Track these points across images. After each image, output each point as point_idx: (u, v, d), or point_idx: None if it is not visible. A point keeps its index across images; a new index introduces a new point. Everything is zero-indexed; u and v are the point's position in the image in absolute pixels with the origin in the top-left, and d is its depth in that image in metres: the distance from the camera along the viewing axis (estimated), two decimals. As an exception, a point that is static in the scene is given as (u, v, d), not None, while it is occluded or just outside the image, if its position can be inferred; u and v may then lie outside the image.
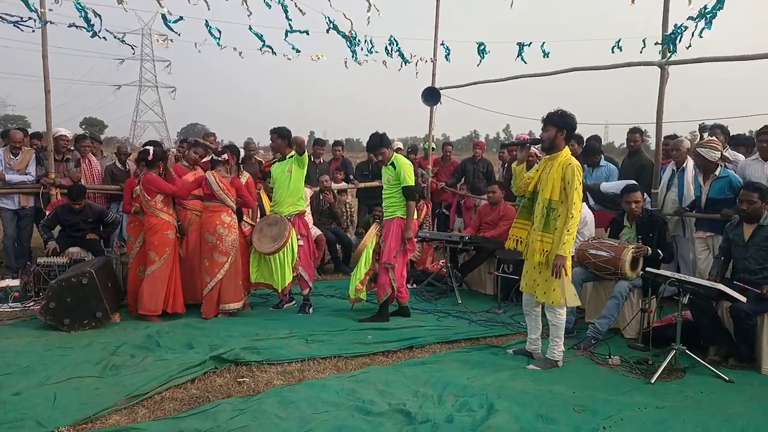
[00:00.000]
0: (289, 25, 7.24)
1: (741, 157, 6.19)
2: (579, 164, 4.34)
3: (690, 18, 5.88)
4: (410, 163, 5.76)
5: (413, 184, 5.60)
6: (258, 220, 6.10)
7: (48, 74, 6.84)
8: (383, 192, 5.74)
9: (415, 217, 5.75)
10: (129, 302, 5.81)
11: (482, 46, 8.39)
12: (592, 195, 6.46)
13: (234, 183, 5.81)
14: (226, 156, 5.85)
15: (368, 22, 7.74)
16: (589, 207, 6.19)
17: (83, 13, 6.39)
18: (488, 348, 4.99)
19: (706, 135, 6.16)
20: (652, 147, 6.60)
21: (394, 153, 5.81)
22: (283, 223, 5.77)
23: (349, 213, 8.71)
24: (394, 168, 5.56)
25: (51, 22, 6.70)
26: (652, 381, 4.16)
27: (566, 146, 4.42)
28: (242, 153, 6.42)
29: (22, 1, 6.31)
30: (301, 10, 7.18)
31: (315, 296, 6.26)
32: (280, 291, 5.92)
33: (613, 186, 6.40)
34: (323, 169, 9.02)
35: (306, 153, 5.85)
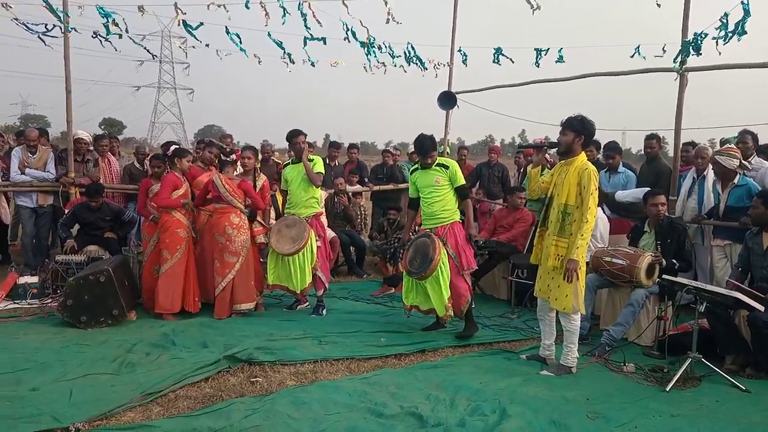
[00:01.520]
0: (310, 34, 7.26)
1: (767, 164, 6.10)
2: (595, 170, 4.32)
3: (721, 28, 5.80)
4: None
5: (465, 182, 5.45)
6: (274, 221, 6.12)
7: (69, 75, 6.97)
8: (428, 196, 5.33)
9: None
10: (144, 300, 5.88)
11: (499, 51, 8.37)
12: (607, 203, 6.41)
13: (242, 185, 5.82)
14: (234, 156, 5.90)
15: (388, 21, 7.71)
16: (605, 214, 6.16)
17: (106, 20, 6.46)
18: (501, 353, 4.97)
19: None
20: (670, 153, 6.54)
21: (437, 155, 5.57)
22: (302, 225, 5.79)
23: (363, 215, 8.73)
24: (446, 169, 5.32)
25: (75, 30, 6.81)
26: (667, 389, 4.12)
27: (582, 152, 4.41)
28: (259, 155, 6.48)
29: (48, 8, 6.39)
30: (319, 22, 7.20)
31: (328, 298, 6.27)
32: (299, 292, 5.90)
33: (628, 194, 6.36)
34: (338, 171, 9.05)
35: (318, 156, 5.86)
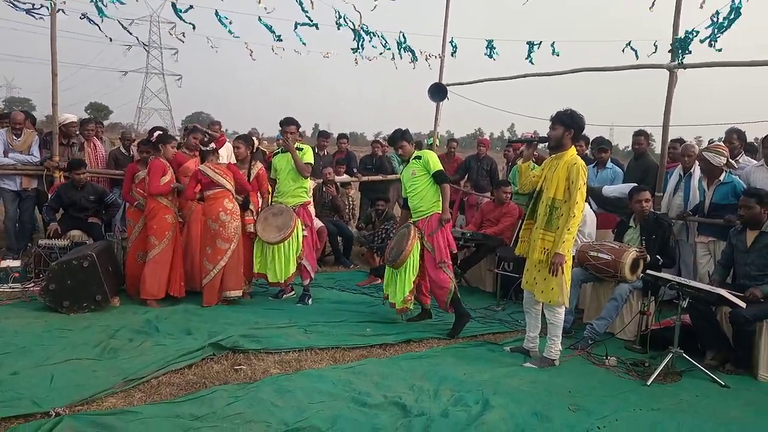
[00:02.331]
0: (308, 18, 7.17)
1: (755, 163, 6.16)
2: (584, 164, 4.33)
3: (712, 25, 5.82)
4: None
5: (442, 168, 5.39)
6: (261, 209, 6.09)
7: (56, 57, 6.83)
8: (409, 190, 5.37)
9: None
10: (127, 286, 5.83)
11: (491, 44, 8.35)
12: (593, 197, 6.45)
13: (230, 167, 5.81)
14: (213, 145, 5.88)
15: (374, 8, 7.66)
16: (592, 210, 6.19)
17: (95, 1, 6.35)
18: (485, 345, 5.00)
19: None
20: (657, 150, 6.59)
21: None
22: (288, 213, 5.77)
23: (351, 206, 8.72)
24: (420, 159, 5.33)
25: (62, 11, 6.70)
26: (648, 383, 4.17)
27: (573, 146, 4.42)
28: (256, 143, 6.43)
29: None
30: (311, 2, 7.13)
31: (314, 287, 6.26)
32: (283, 282, 5.87)
33: (615, 189, 6.41)
34: (327, 161, 9.01)
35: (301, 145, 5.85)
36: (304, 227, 5.91)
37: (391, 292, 5.39)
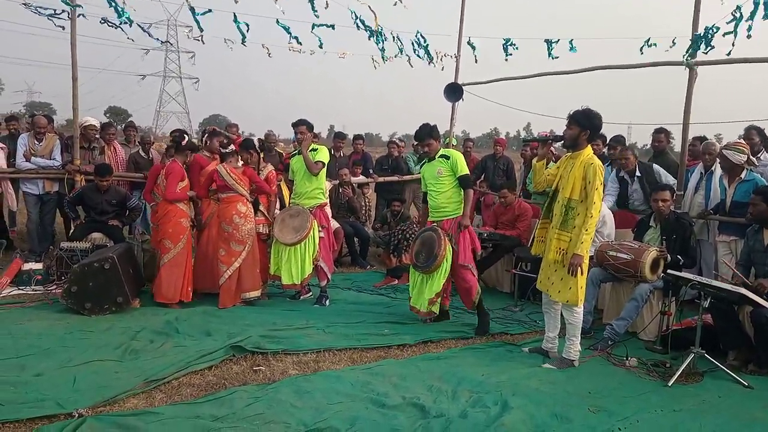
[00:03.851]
0: (316, 16, 7.19)
1: None
2: (601, 164, 4.30)
3: (732, 21, 5.73)
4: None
5: (468, 172, 5.39)
6: (278, 211, 6.12)
7: (76, 62, 6.95)
8: (432, 189, 5.31)
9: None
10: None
11: (509, 42, 8.30)
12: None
13: (246, 172, 5.84)
14: (232, 147, 5.92)
15: (396, 3, 7.63)
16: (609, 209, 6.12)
17: (114, 4, 6.43)
18: (503, 345, 4.97)
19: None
20: (676, 148, 6.50)
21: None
22: (305, 215, 5.79)
23: (367, 207, 8.73)
24: (448, 159, 5.26)
25: (83, 16, 6.80)
26: (670, 384, 4.12)
27: (588, 145, 4.38)
28: (257, 144, 6.47)
29: None
30: (326, 3, 7.14)
31: (331, 288, 6.27)
32: (298, 283, 5.87)
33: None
34: (342, 162, 9.03)
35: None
36: (320, 228, 5.93)
37: (415, 296, 5.35)
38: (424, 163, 5.50)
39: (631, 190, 6.50)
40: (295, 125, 5.98)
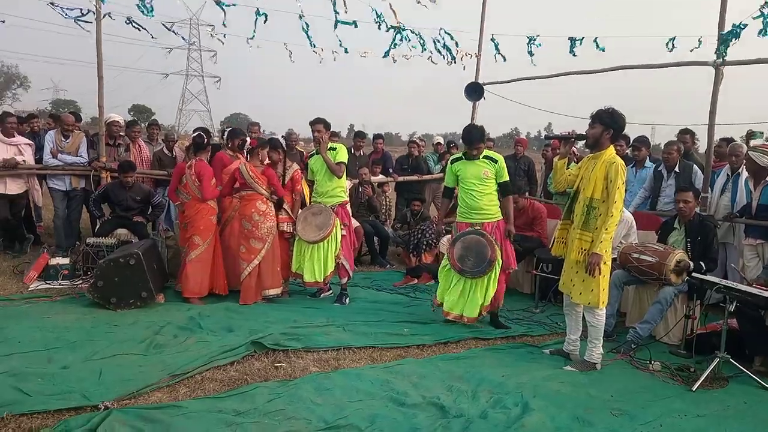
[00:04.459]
0: (336, 13, 7.18)
1: None
2: (623, 164, 4.25)
3: (760, 17, 5.62)
4: None
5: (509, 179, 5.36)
6: (301, 210, 6.15)
7: (101, 61, 7.07)
8: (475, 189, 5.18)
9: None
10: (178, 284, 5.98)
11: (533, 40, 8.24)
12: None
13: (266, 173, 5.88)
14: (249, 145, 6.04)
15: (419, 1, 7.60)
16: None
17: (141, 2, 6.53)
18: (524, 347, 4.95)
19: (753, 142, 5.98)
20: (701, 149, 6.41)
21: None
22: (327, 213, 5.84)
23: (387, 206, 8.74)
24: (495, 163, 5.18)
25: (109, 16, 6.91)
26: (694, 389, 4.06)
27: (611, 145, 4.34)
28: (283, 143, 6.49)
29: None
30: (344, 2, 7.15)
31: (351, 286, 6.29)
32: (321, 281, 5.92)
33: None
34: (362, 162, 9.06)
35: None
36: (342, 226, 5.96)
37: (462, 303, 5.22)
38: (458, 160, 5.35)
39: (665, 185, 6.42)
40: (312, 124, 6.01)
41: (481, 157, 5.21)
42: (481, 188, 5.19)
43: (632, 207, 6.50)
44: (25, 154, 7.16)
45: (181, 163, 6.51)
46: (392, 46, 8.02)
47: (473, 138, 5.20)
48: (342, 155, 5.94)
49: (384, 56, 8.12)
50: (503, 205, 5.29)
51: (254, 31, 7.15)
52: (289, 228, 6.18)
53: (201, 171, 5.80)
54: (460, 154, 5.40)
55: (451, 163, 5.42)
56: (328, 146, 5.96)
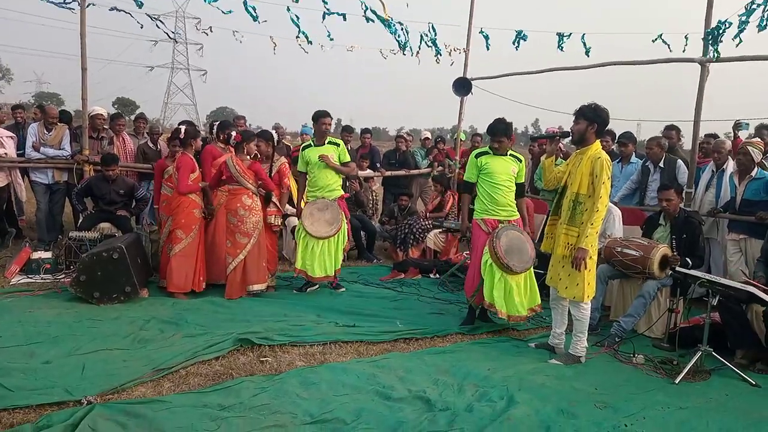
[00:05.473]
0: (324, 2, 7.13)
1: None
2: (609, 158, 4.27)
3: (743, 15, 5.67)
4: None
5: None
6: (306, 204, 6.08)
7: (85, 53, 6.96)
8: (504, 186, 5.06)
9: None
10: (162, 279, 5.92)
11: (520, 34, 8.24)
12: None
13: (252, 167, 5.83)
14: (234, 139, 5.93)
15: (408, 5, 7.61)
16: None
17: None
18: (510, 340, 4.97)
19: (739, 133, 6.04)
20: (686, 146, 6.47)
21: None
22: (334, 207, 5.91)
23: (374, 201, 8.73)
24: (520, 162, 5.14)
25: (92, 4, 6.81)
26: (677, 381, 4.11)
27: (597, 141, 4.36)
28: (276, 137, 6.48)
29: None
30: None
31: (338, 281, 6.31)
32: (332, 275, 6.01)
33: None
34: (350, 156, 9.01)
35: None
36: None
37: (504, 301, 4.98)
38: (484, 154, 5.19)
39: (651, 179, 6.49)
40: (321, 116, 6.00)
41: (507, 154, 5.14)
42: (509, 185, 5.11)
43: (617, 198, 6.53)
44: (6, 147, 7.05)
45: (161, 160, 6.45)
46: (406, 43, 7.99)
47: (497, 130, 5.09)
48: (346, 152, 6.07)
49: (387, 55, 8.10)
50: (519, 206, 5.25)
51: (256, 19, 6.97)
52: (277, 221, 6.16)
53: (179, 163, 5.75)
54: (485, 148, 5.29)
55: (476, 157, 5.22)
56: (327, 140, 6.03)
